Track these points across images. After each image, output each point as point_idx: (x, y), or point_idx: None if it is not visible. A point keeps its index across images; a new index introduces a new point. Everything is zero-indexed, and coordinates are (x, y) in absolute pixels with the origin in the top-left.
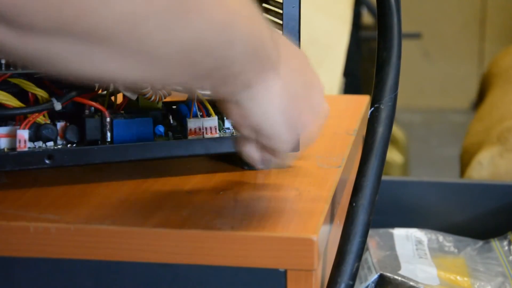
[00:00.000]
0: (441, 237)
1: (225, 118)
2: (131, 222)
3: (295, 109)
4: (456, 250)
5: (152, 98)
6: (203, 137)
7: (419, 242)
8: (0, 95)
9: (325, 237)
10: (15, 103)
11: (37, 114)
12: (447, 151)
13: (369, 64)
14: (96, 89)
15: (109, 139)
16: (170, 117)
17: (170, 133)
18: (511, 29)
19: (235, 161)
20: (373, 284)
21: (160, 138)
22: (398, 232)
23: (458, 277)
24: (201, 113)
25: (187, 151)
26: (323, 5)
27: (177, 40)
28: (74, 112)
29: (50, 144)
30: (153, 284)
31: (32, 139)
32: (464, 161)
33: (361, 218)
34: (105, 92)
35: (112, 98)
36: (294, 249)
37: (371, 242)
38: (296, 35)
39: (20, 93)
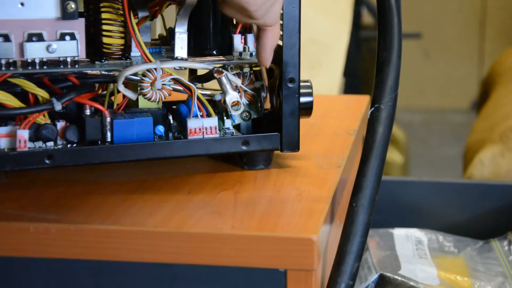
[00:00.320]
0: (441, 237)
1: (225, 118)
2: (131, 222)
3: None
4: (456, 250)
5: (152, 98)
6: (203, 137)
7: (419, 242)
8: (0, 95)
9: (325, 237)
10: (15, 103)
11: (37, 114)
12: (447, 151)
13: (369, 64)
14: (96, 89)
15: (109, 139)
16: (170, 117)
17: (170, 133)
18: (511, 29)
19: (235, 161)
20: (373, 284)
21: (160, 138)
22: (398, 232)
23: (458, 277)
24: (201, 113)
25: (187, 151)
26: (323, 5)
27: None
28: (74, 112)
29: (50, 144)
30: (153, 284)
31: (32, 139)
32: (468, 159)
33: (361, 218)
34: (105, 92)
35: (112, 98)
36: (294, 249)
37: (371, 242)
38: (296, 35)
39: (20, 93)
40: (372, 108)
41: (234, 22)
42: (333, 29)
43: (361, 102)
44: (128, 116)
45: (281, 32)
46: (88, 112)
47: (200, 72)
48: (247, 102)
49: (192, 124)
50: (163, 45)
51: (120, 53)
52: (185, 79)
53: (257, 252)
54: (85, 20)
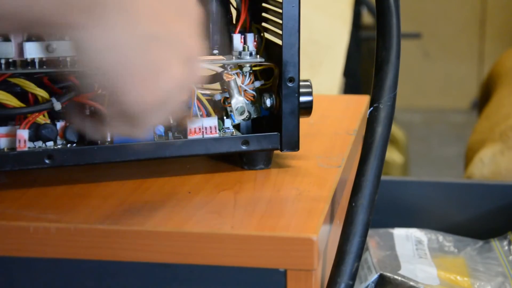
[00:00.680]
0: (441, 237)
1: (224, 117)
2: (131, 222)
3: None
4: (456, 250)
5: None
6: (203, 136)
7: (419, 242)
8: (0, 95)
9: (325, 237)
10: (15, 103)
11: (37, 114)
12: (447, 151)
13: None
14: (95, 89)
15: (109, 139)
16: (170, 117)
17: (170, 133)
18: (511, 29)
19: (235, 161)
20: (373, 284)
21: (160, 138)
22: (398, 232)
23: (458, 277)
24: (201, 113)
25: (187, 151)
26: (323, 5)
27: None
28: (74, 112)
29: (50, 144)
30: (153, 284)
31: (32, 139)
32: (469, 159)
33: (360, 218)
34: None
35: None
36: (294, 249)
37: (371, 242)
38: (295, 34)
39: (20, 93)
40: (371, 108)
41: (234, 21)
42: (333, 29)
43: (361, 102)
44: None
45: (280, 31)
46: (88, 111)
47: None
48: (247, 102)
49: (192, 124)
50: None
51: None
52: None
53: (257, 252)
54: None
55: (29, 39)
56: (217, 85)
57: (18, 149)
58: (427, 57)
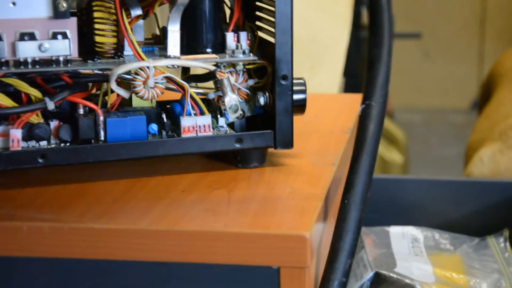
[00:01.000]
0: (437, 234)
1: (218, 116)
2: (124, 221)
3: None
4: (452, 248)
5: (145, 96)
6: (197, 135)
7: (415, 239)
8: None
9: (319, 234)
10: (8, 103)
11: (30, 113)
12: (447, 151)
13: None
14: (89, 88)
15: (102, 138)
16: (164, 116)
17: (164, 132)
18: (511, 29)
19: (229, 159)
20: (368, 282)
21: (154, 137)
22: (394, 230)
23: (454, 274)
24: (194, 112)
25: (181, 150)
26: (323, 5)
27: None
28: (67, 111)
29: (44, 143)
30: (147, 282)
31: (25, 138)
32: (468, 157)
33: (353, 215)
34: (98, 91)
35: (106, 97)
36: (287, 246)
37: (367, 240)
38: (288, 32)
39: (13, 93)
40: (363, 105)
41: (227, 20)
42: (333, 29)
43: (356, 101)
44: (121, 114)
45: (273, 30)
46: (81, 111)
47: (193, 71)
48: (240, 100)
49: (186, 122)
50: (157, 44)
51: (112, 51)
52: (178, 77)
53: (250, 250)
54: (77, 19)
55: (21, 39)
56: (210, 84)
57: (11, 149)
58: (427, 57)
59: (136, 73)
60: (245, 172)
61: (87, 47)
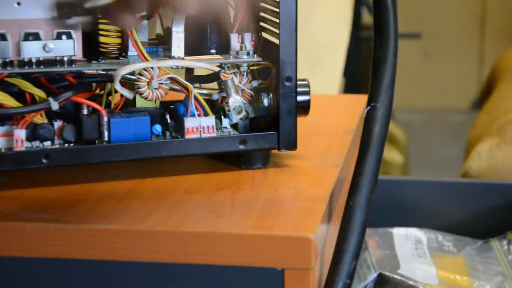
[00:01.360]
0: (440, 236)
1: (222, 117)
2: (128, 222)
3: None
4: (455, 250)
5: (149, 97)
6: (201, 136)
7: (419, 241)
8: None
9: (323, 236)
10: (12, 103)
11: (34, 113)
12: (447, 151)
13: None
14: (93, 89)
15: (106, 139)
16: (167, 117)
17: (168, 133)
18: (511, 29)
19: (232, 160)
20: (372, 283)
21: (158, 138)
22: (398, 232)
23: (457, 276)
24: (198, 112)
25: (185, 151)
26: (323, 5)
27: None
28: (71, 111)
29: (47, 143)
30: (150, 283)
31: (29, 138)
32: (468, 153)
33: (358, 216)
34: (102, 91)
35: (110, 97)
36: (291, 248)
37: (371, 242)
38: (293, 33)
39: (17, 93)
40: (369, 107)
41: (232, 21)
42: (333, 29)
43: (360, 102)
44: (125, 115)
45: (277, 31)
46: (85, 111)
47: (197, 71)
48: (244, 101)
49: (189, 123)
50: (161, 45)
51: (117, 52)
52: (182, 78)
53: (254, 251)
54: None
55: (26, 39)
56: (214, 85)
57: (15, 149)
58: (427, 57)
59: (140, 74)
60: (249, 173)
61: (92, 47)
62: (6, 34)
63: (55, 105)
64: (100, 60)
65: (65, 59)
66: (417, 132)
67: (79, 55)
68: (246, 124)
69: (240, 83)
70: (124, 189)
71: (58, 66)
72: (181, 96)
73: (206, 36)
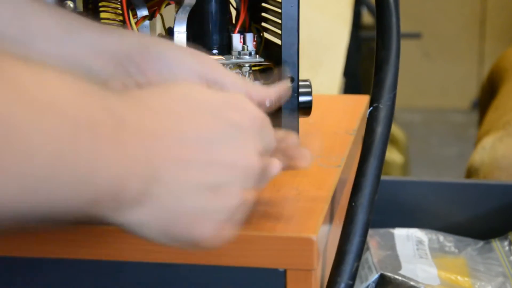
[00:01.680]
0: (441, 237)
1: None
2: None
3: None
4: (456, 250)
5: None
6: None
7: (420, 242)
8: None
9: (325, 236)
10: None
11: None
12: (447, 151)
13: (369, 64)
14: None
15: None
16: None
17: None
18: (511, 29)
19: None
20: (373, 284)
21: None
22: (399, 232)
23: (458, 277)
24: None
25: None
26: (323, 5)
27: None
28: None
29: None
30: (153, 283)
31: None
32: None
33: (360, 217)
34: None
35: None
36: (293, 248)
37: (372, 242)
38: (295, 34)
39: None
40: (371, 108)
41: (233, 21)
42: (333, 29)
43: (361, 102)
44: None
45: (279, 31)
46: None
47: None
48: None
49: None
50: None
51: None
52: None
53: (256, 252)
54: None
55: None
56: None
57: None
58: (427, 57)
59: None
60: None
61: None
62: None
63: None
64: None
65: None
66: (417, 132)
67: None
68: None
69: None
70: None
71: None
72: None
73: (208, 36)
